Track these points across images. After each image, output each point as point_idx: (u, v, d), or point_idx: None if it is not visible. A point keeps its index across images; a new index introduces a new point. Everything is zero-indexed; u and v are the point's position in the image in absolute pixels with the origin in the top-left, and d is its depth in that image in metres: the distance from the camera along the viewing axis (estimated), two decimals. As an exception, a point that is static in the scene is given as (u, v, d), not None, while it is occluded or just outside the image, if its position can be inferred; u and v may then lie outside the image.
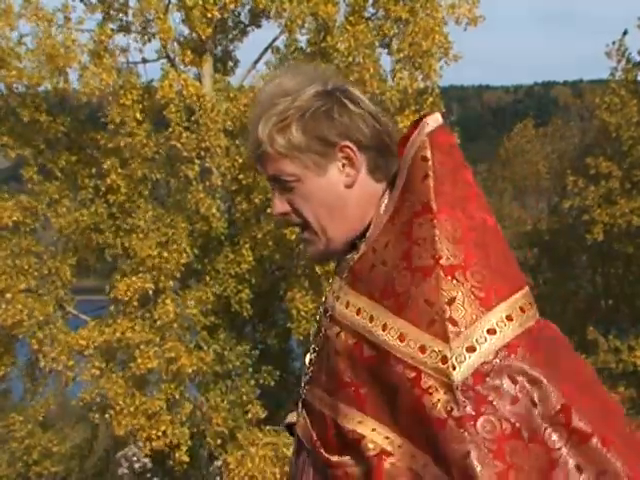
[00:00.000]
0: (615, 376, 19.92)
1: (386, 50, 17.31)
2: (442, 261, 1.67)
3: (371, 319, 1.70)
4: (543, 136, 28.61)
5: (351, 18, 16.91)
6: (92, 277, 21.34)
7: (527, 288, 1.74)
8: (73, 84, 17.25)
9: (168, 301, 16.54)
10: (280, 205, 1.83)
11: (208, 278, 17.33)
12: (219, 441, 16.88)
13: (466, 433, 1.58)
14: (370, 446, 1.66)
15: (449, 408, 1.59)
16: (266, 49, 18.30)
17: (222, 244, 17.45)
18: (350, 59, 16.29)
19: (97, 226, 17.35)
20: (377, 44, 17.16)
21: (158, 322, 16.46)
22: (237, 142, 17.11)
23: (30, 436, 18.01)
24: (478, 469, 1.56)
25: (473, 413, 1.59)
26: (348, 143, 1.79)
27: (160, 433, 16.23)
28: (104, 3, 17.39)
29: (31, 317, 16.56)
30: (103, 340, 16.41)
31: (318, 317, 1.89)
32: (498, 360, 1.63)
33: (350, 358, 1.71)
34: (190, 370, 16.33)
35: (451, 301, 1.65)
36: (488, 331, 1.64)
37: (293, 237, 16.29)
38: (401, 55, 16.90)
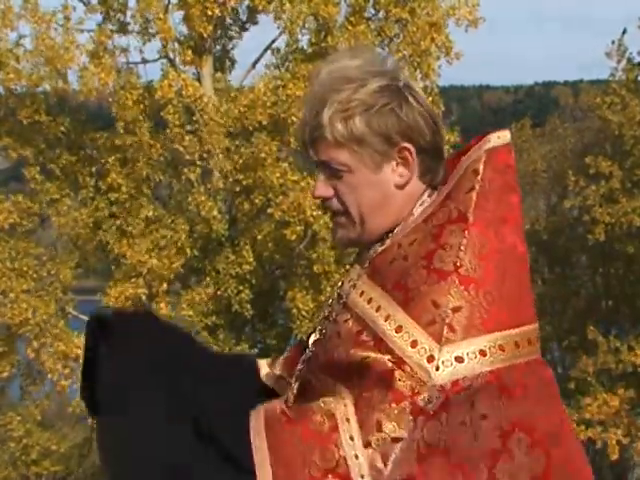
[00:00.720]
0: (615, 377, 19.90)
1: (386, 50, 17.30)
2: (461, 270, 1.69)
3: (378, 309, 1.73)
4: (540, 136, 28.56)
5: (352, 18, 16.90)
6: (92, 277, 21.33)
7: (533, 326, 1.76)
8: (73, 84, 17.28)
9: (162, 305, 16.54)
10: (324, 189, 1.82)
11: (208, 279, 17.33)
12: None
13: (411, 424, 1.62)
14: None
15: (413, 400, 1.64)
16: (266, 49, 18.31)
17: (222, 245, 17.44)
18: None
19: (97, 224, 17.36)
20: (377, 45, 17.15)
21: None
22: (237, 143, 17.10)
23: (28, 435, 18.00)
24: (390, 466, 1.62)
25: (430, 413, 1.63)
26: (408, 145, 1.79)
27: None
28: (104, 4, 17.39)
29: (35, 316, 16.58)
30: None
31: (330, 302, 1.91)
32: (478, 382, 1.66)
33: (350, 344, 1.73)
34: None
35: (456, 309, 1.67)
36: (480, 352, 1.67)
37: (293, 237, 16.29)
38: (400, 55, 16.89)
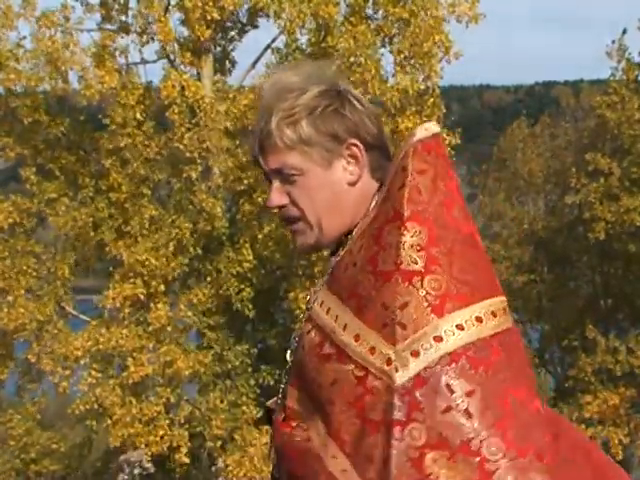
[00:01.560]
0: (614, 377, 19.92)
1: (388, 48, 17.31)
2: (402, 266, 1.70)
3: (336, 318, 1.75)
4: (537, 136, 28.57)
5: (352, 18, 16.90)
6: (91, 277, 21.33)
7: (498, 298, 1.75)
8: (72, 85, 17.28)
9: (160, 305, 16.55)
10: (278, 197, 1.85)
11: (209, 278, 17.34)
12: (218, 443, 16.88)
13: (393, 440, 1.62)
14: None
15: (385, 410, 1.64)
16: (265, 49, 18.31)
17: (223, 244, 17.45)
18: (351, 59, 16.29)
19: (96, 224, 17.37)
20: (378, 44, 17.15)
21: (151, 327, 16.49)
22: (237, 142, 17.11)
23: (28, 434, 18.01)
24: (392, 474, 1.61)
25: (404, 419, 1.63)
26: (356, 141, 1.83)
27: (158, 438, 16.24)
28: (104, 5, 17.39)
29: (32, 320, 16.60)
30: (97, 349, 16.42)
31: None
32: (439, 367, 1.65)
33: (313, 355, 1.76)
34: (187, 372, 16.35)
35: (403, 306, 1.68)
36: (435, 338, 1.67)
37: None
38: (402, 56, 16.90)
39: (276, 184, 1.85)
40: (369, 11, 17.52)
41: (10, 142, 17.45)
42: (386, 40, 17.31)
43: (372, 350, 1.68)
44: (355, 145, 1.82)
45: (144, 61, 17.94)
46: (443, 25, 17.04)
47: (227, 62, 18.91)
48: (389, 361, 1.66)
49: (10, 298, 16.64)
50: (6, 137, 17.46)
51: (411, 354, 1.66)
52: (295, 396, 1.80)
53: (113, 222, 17.39)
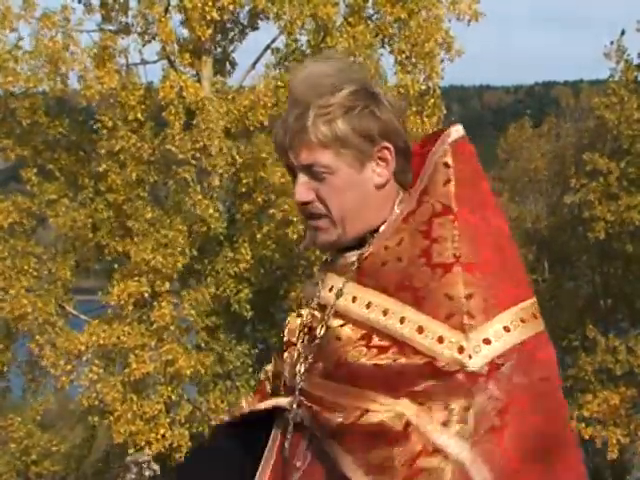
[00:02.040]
0: (614, 377, 19.92)
1: (388, 49, 17.31)
2: (462, 259, 1.74)
3: (385, 312, 1.76)
4: (539, 135, 28.61)
5: (350, 19, 16.91)
6: (92, 277, 21.33)
7: (534, 299, 1.81)
8: (72, 86, 17.29)
9: (164, 304, 16.56)
10: (305, 193, 1.84)
11: (208, 278, 17.34)
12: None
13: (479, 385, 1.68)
14: (390, 422, 1.70)
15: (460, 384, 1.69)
16: (265, 50, 18.31)
17: (221, 244, 17.45)
18: (350, 59, 16.27)
19: (95, 225, 17.38)
20: (377, 44, 17.16)
21: (154, 325, 16.49)
22: (237, 143, 17.11)
23: (29, 436, 18.02)
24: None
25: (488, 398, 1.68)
26: (388, 144, 1.83)
27: (159, 436, 16.24)
28: (105, 5, 17.40)
29: (34, 311, 16.61)
30: (99, 345, 16.43)
31: (305, 312, 1.93)
32: (514, 354, 1.71)
33: (355, 347, 1.76)
34: (188, 372, 16.35)
35: (469, 296, 1.72)
36: (504, 328, 1.72)
37: (295, 237, 16.30)
38: (403, 56, 16.91)
39: (303, 179, 1.83)
40: (369, 11, 17.53)
41: (10, 143, 17.46)
42: (385, 40, 17.32)
43: (440, 339, 1.70)
44: (387, 148, 1.82)
45: (144, 62, 17.96)
46: (443, 23, 17.06)
47: (227, 63, 18.91)
48: (461, 349, 1.69)
49: (12, 292, 16.65)
50: (6, 138, 17.46)
51: (483, 341, 1.70)
52: (333, 389, 1.79)
53: (112, 223, 17.40)
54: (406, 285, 1.75)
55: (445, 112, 17.80)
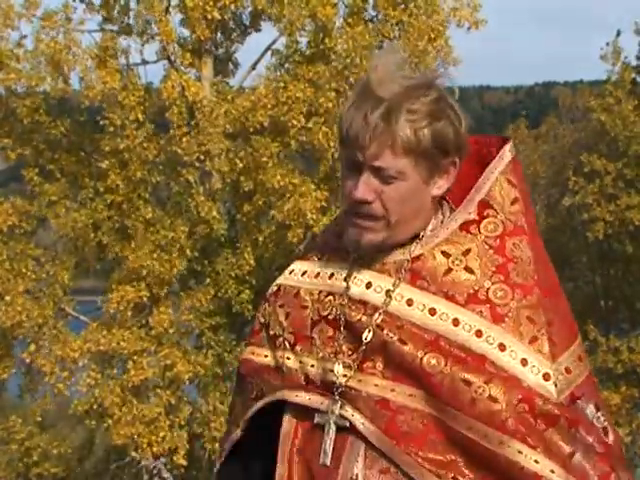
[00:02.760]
0: (615, 377, 19.91)
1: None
2: (540, 283, 1.74)
3: (455, 322, 1.71)
4: (537, 137, 28.60)
5: (350, 20, 16.89)
6: (92, 278, 21.32)
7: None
8: (74, 86, 17.28)
9: (163, 309, 16.54)
10: (367, 192, 1.76)
11: (208, 280, 17.32)
12: (217, 445, 16.86)
13: (576, 433, 1.68)
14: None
15: (559, 410, 1.68)
16: (265, 51, 18.30)
17: (222, 246, 17.44)
18: (348, 61, 16.27)
19: (96, 225, 17.36)
20: (376, 46, 17.13)
21: (153, 330, 16.47)
22: (237, 145, 17.09)
23: (29, 437, 17.99)
24: (587, 467, 1.66)
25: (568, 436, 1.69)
26: (457, 160, 1.79)
27: (160, 439, 16.22)
28: (105, 5, 17.38)
29: (30, 319, 16.56)
30: (97, 350, 16.41)
31: (311, 304, 1.85)
32: (585, 387, 1.73)
33: (424, 351, 1.72)
34: (187, 376, 16.33)
35: (550, 323, 1.71)
36: (579, 357, 1.74)
37: (295, 240, 16.29)
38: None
39: (367, 178, 1.76)
40: (371, 12, 17.52)
41: (10, 143, 17.44)
42: (384, 43, 17.29)
43: (524, 362, 1.69)
44: (454, 163, 1.79)
45: (145, 62, 17.94)
46: (444, 29, 17.04)
47: (229, 63, 18.88)
48: (546, 376, 1.68)
49: (7, 298, 16.59)
50: (7, 137, 17.44)
51: (565, 371, 1.71)
52: (408, 392, 1.74)
53: (112, 223, 17.38)
54: (482, 299, 1.72)
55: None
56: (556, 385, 1.68)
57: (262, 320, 1.95)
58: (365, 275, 1.81)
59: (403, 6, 16.88)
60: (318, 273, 1.88)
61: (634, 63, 21.45)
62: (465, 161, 1.83)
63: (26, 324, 16.60)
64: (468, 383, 1.68)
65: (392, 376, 1.74)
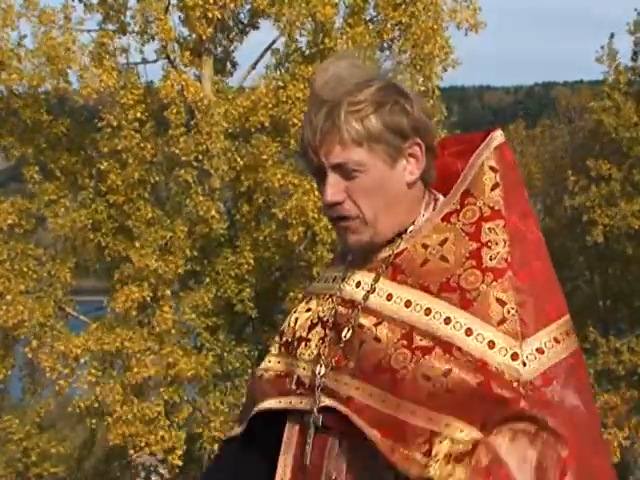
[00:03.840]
0: (615, 377, 19.91)
1: (386, 53, 17.29)
2: (513, 265, 1.73)
3: (427, 311, 1.72)
4: (534, 137, 28.61)
5: (350, 20, 16.89)
6: (92, 278, 21.33)
7: (568, 315, 1.80)
8: (73, 85, 17.28)
9: (166, 309, 16.55)
10: (337, 193, 1.78)
11: (208, 280, 17.33)
12: (216, 446, 16.87)
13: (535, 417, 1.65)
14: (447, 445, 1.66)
15: (519, 391, 1.66)
16: (265, 51, 18.30)
17: (222, 246, 17.44)
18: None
19: (96, 226, 17.36)
20: (376, 47, 17.13)
21: (157, 329, 16.48)
22: (237, 144, 17.09)
23: (28, 438, 17.98)
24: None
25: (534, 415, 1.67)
26: (419, 140, 1.80)
27: (159, 438, 16.22)
28: (103, 4, 17.38)
29: (32, 318, 16.56)
30: (100, 349, 16.41)
31: (315, 306, 1.89)
32: (562, 367, 1.71)
33: (397, 349, 1.72)
34: (189, 374, 16.34)
35: (521, 304, 1.70)
36: (554, 339, 1.72)
37: (295, 239, 16.29)
38: (403, 57, 16.88)
39: (333, 179, 1.78)
40: (371, 12, 17.52)
41: (12, 141, 17.45)
42: (385, 44, 17.30)
43: (491, 344, 1.67)
44: (418, 144, 1.79)
45: (144, 61, 17.94)
46: (443, 31, 17.05)
47: (228, 63, 18.88)
48: (515, 356, 1.67)
49: (9, 297, 16.60)
50: (9, 136, 17.45)
51: (537, 351, 1.69)
52: (369, 391, 1.74)
53: (112, 224, 17.38)
54: (453, 286, 1.72)
55: (446, 114, 17.77)
56: (525, 364, 1.66)
57: (280, 328, 2.00)
58: (357, 274, 1.84)
59: (403, 7, 16.87)
60: (327, 278, 1.93)
61: (630, 64, 21.48)
62: (455, 159, 1.86)
63: (27, 324, 16.60)
64: (427, 378, 1.68)
65: (360, 374, 1.75)
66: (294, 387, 1.86)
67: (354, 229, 1.79)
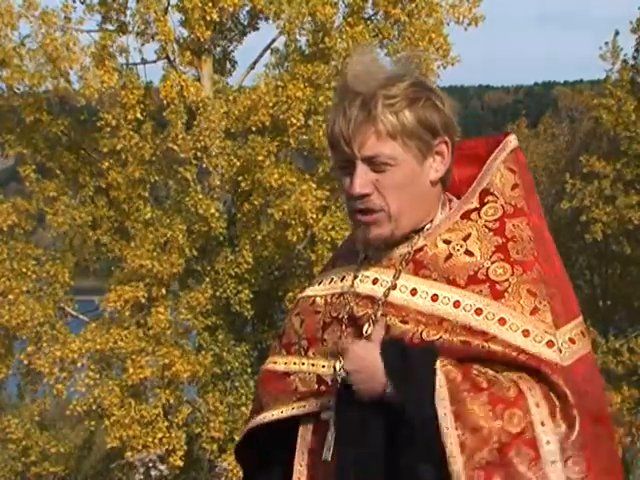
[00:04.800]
0: (615, 378, 19.90)
1: (385, 51, 17.27)
2: (539, 259, 1.77)
3: (456, 304, 1.74)
4: (535, 136, 28.58)
5: (350, 19, 16.88)
6: (91, 277, 21.31)
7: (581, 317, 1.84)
8: (74, 85, 17.28)
9: (161, 309, 16.52)
10: (365, 185, 1.79)
11: (207, 279, 17.31)
12: (215, 446, 16.86)
13: (576, 392, 1.69)
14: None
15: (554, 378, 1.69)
16: (265, 50, 18.30)
17: (221, 245, 17.43)
18: (348, 60, 16.26)
19: (96, 223, 17.36)
20: (376, 46, 17.11)
21: (151, 330, 16.46)
22: (236, 144, 17.08)
23: (27, 437, 17.97)
24: (576, 425, 1.67)
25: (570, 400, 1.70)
26: (447, 139, 1.81)
27: (157, 440, 16.20)
28: (103, 4, 17.38)
29: (34, 318, 16.57)
30: (96, 350, 16.39)
31: (324, 307, 1.89)
32: (590, 359, 1.77)
33: (423, 328, 1.74)
34: (185, 376, 16.32)
35: (552, 295, 1.74)
36: (581, 332, 1.77)
37: (294, 239, 16.28)
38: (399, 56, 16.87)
39: (362, 171, 1.79)
40: (369, 11, 17.51)
41: (11, 140, 17.45)
42: (384, 42, 17.29)
43: (526, 333, 1.70)
44: (446, 142, 1.81)
45: (144, 61, 17.94)
46: (443, 28, 17.03)
47: (227, 63, 18.88)
48: (550, 343, 1.70)
49: (11, 297, 16.60)
50: (8, 135, 17.45)
51: (569, 340, 1.73)
52: None
53: (112, 222, 17.38)
54: (481, 278, 1.74)
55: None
56: (560, 351, 1.70)
57: (280, 331, 2.02)
58: (372, 272, 1.85)
59: (401, 5, 16.86)
60: (332, 279, 1.93)
61: (631, 62, 21.45)
62: (466, 163, 1.87)
63: (29, 324, 16.60)
64: (467, 343, 1.71)
65: None
66: (315, 386, 1.86)
67: (377, 222, 1.80)
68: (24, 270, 17.09)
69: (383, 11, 17.07)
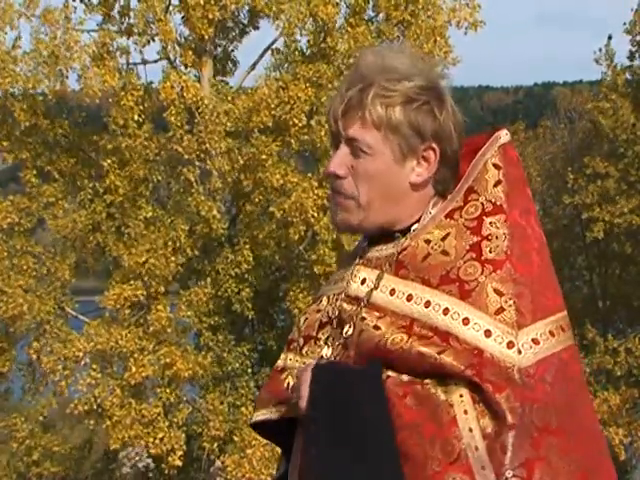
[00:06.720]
0: (614, 378, 19.91)
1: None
2: (512, 258, 1.75)
3: (427, 304, 1.75)
4: (534, 138, 28.57)
5: (351, 20, 16.90)
6: (91, 278, 21.32)
7: (565, 312, 1.81)
8: (72, 86, 17.27)
9: (160, 307, 16.53)
10: (338, 165, 1.82)
11: (208, 279, 17.32)
12: (215, 445, 16.86)
13: (520, 409, 1.65)
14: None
15: (508, 377, 1.67)
16: (265, 50, 18.30)
17: (222, 245, 17.44)
18: (350, 60, 16.29)
19: (95, 226, 17.37)
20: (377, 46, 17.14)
21: (152, 328, 16.48)
22: (238, 144, 17.09)
23: (30, 436, 17.98)
24: (510, 447, 1.63)
25: (532, 397, 1.67)
26: (436, 146, 1.82)
27: (158, 440, 16.21)
28: (104, 4, 17.38)
29: (31, 311, 16.55)
30: (97, 349, 16.40)
31: (324, 306, 1.91)
32: (555, 360, 1.72)
33: (394, 333, 1.75)
34: (186, 374, 16.33)
35: (519, 295, 1.72)
36: (550, 332, 1.74)
37: (296, 237, 16.29)
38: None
39: (343, 151, 1.82)
40: (370, 13, 17.53)
41: (9, 145, 17.42)
42: (385, 43, 17.29)
43: (487, 333, 1.69)
44: (433, 149, 1.81)
45: (145, 61, 17.94)
46: (444, 30, 17.06)
47: (229, 63, 18.89)
48: (510, 344, 1.68)
49: (9, 290, 16.58)
50: (5, 140, 17.42)
51: (532, 341, 1.70)
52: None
53: (112, 223, 17.38)
54: (452, 278, 1.75)
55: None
56: (520, 352, 1.68)
57: (294, 329, 2.03)
58: (362, 272, 1.87)
59: (404, 6, 16.88)
60: (336, 279, 1.96)
61: (627, 63, 21.50)
62: (467, 159, 1.87)
63: (27, 316, 16.58)
64: (421, 355, 1.70)
65: (359, 360, 1.78)
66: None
67: (346, 207, 1.83)
68: (24, 267, 17.08)
69: (384, 13, 17.09)
